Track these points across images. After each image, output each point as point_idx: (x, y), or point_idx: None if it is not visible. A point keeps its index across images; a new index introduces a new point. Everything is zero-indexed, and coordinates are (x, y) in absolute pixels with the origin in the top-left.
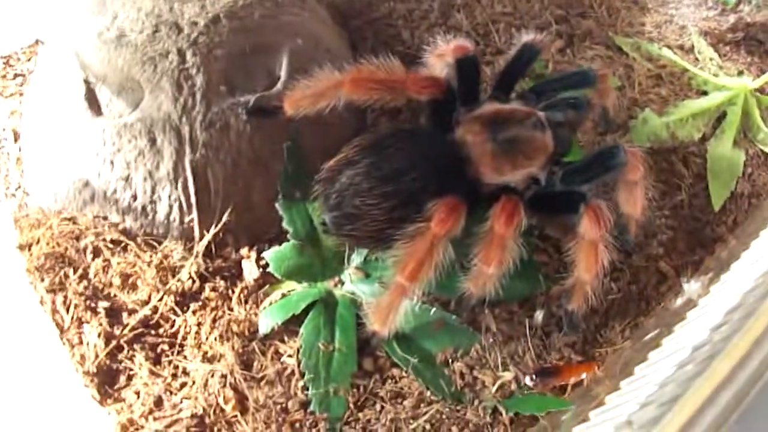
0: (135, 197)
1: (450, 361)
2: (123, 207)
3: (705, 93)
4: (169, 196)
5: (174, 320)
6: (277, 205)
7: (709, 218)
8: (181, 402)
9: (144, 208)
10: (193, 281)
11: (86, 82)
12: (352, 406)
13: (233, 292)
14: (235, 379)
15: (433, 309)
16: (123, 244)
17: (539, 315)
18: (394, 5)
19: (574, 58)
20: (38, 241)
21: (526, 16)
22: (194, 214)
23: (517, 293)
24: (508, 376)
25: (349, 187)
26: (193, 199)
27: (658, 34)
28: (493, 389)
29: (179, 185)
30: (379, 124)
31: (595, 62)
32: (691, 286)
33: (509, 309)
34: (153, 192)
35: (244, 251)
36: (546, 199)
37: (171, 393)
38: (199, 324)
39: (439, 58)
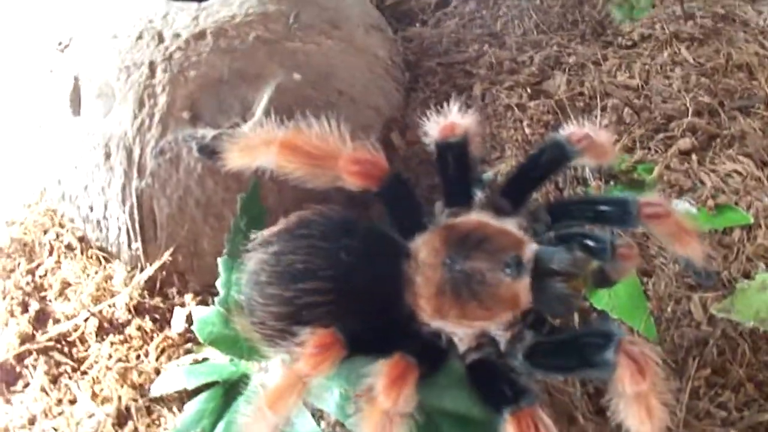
0: (92, 208)
1: None
2: (83, 215)
3: None
4: (118, 218)
5: (89, 345)
6: (219, 260)
7: None
8: (49, 430)
9: (99, 222)
10: (124, 312)
11: (75, 78)
12: None
13: (156, 337)
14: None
15: None
16: (75, 251)
17: None
18: (487, 50)
19: (698, 168)
20: (21, 222)
21: (657, 96)
22: (139, 244)
23: None
24: None
25: (252, 273)
26: (137, 228)
27: None
28: None
29: (126, 210)
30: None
31: (728, 181)
32: None
33: None
34: (105, 209)
35: (188, 297)
36: (483, 374)
37: (46, 416)
38: (109, 358)
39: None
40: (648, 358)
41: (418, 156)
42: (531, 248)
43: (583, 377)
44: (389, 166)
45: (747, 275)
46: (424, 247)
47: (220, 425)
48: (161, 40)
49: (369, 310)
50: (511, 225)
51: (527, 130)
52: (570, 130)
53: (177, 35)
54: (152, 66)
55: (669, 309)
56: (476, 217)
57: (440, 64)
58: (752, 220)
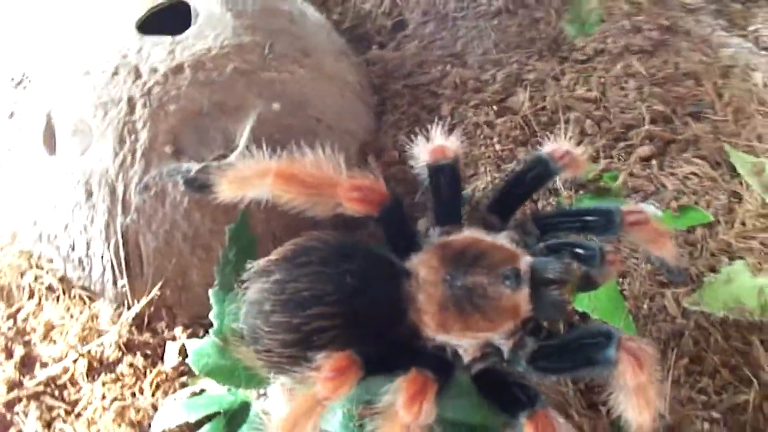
0: (73, 248)
1: None
2: (63, 254)
3: None
4: (102, 257)
5: (81, 386)
6: (210, 292)
7: None
8: None
9: (81, 260)
10: (114, 350)
11: (48, 116)
12: None
13: (150, 373)
14: None
15: None
16: (57, 293)
17: None
18: (450, 70)
19: (659, 172)
20: None
21: (614, 107)
22: (125, 281)
23: None
24: None
25: (254, 302)
26: (123, 265)
27: None
28: None
29: (111, 247)
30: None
31: (688, 182)
32: None
33: None
34: (88, 247)
35: (177, 330)
36: (492, 383)
37: None
38: (103, 398)
39: (421, 156)
40: (645, 352)
41: (395, 177)
42: (526, 260)
43: (584, 376)
44: (387, 190)
45: (713, 269)
46: (422, 266)
47: None
48: (138, 75)
49: (375, 331)
50: (502, 239)
51: (497, 147)
52: (550, 147)
53: (154, 70)
54: (131, 101)
55: (645, 306)
56: (469, 234)
57: (406, 86)
58: (712, 218)
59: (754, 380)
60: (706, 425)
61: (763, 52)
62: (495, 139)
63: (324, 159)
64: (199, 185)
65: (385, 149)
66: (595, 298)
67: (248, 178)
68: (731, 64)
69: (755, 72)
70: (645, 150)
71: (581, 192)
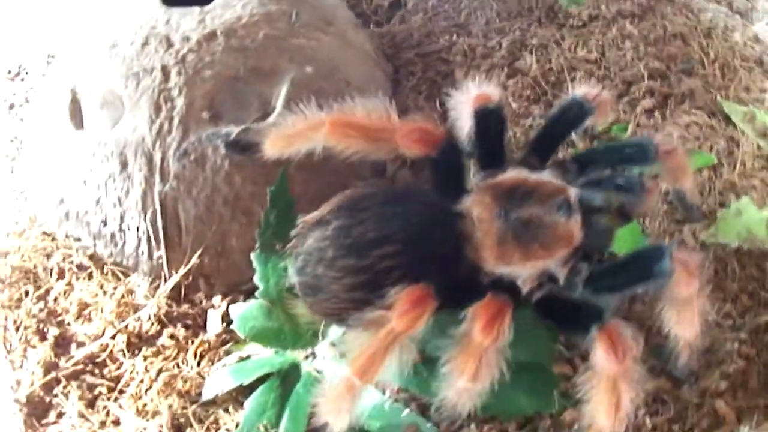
0: (105, 223)
1: None
2: (94, 231)
3: None
4: (137, 228)
5: (121, 362)
6: (252, 255)
7: None
8: None
9: (113, 235)
10: (152, 324)
11: (73, 91)
12: None
13: (192, 343)
14: None
15: (407, 410)
16: (89, 271)
17: None
18: (457, 39)
19: (663, 122)
20: (15, 251)
21: (614, 65)
22: (162, 251)
23: (517, 409)
24: None
25: (314, 251)
26: (161, 235)
27: None
28: None
29: (147, 217)
30: (398, 178)
31: (689, 130)
32: None
33: (503, 428)
34: (122, 220)
35: (216, 299)
36: (556, 307)
37: None
38: (146, 372)
39: (464, 105)
40: (696, 261)
41: None
42: (574, 191)
43: (640, 290)
44: (444, 131)
45: (722, 205)
46: (475, 205)
47: (285, 414)
48: (170, 44)
49: (437, 270)
50: (546, 177)
51: (514, 105)
52: (582, 90)
53: (186, 38)
54: (165, 70)
55: (666, 242)
56: (514, 173)
57: (417, 55)
58: (716, 160)
59: None
60: (736, 345)
61: (737, 16)
62: (510, 99)
63: (374, 107)
64: (242, 147)
65: (406, 111)
66: (619, 238)
67: (299, 132)
68: (712, 26)
69: (734, 32)
70: (647, 103)
71: (595, 143)
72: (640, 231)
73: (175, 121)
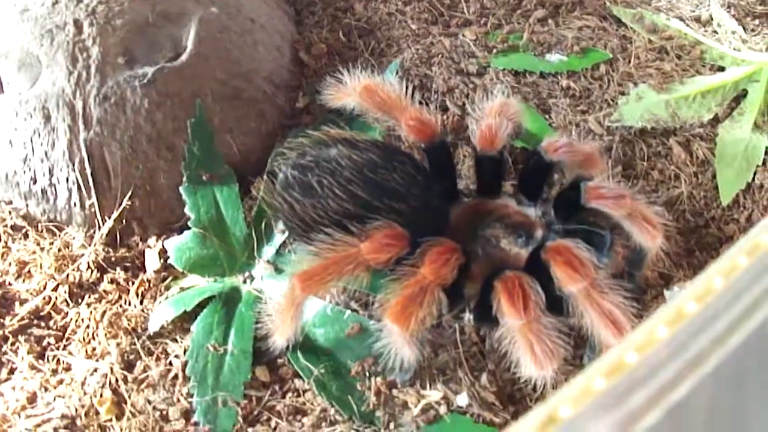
0: (34, 180)
1: (368, 375)
2: (24, 191)
3: (722, 69)
4: (67, 179)
5: (66, 312)
6: (181, 188)
7: (714, 214)
8: (54, 400)
9: (44, 191)
10: (92, 271)
11: None
12: (241, 419)
13: (133, 284)
14: (115, 378)
15: (348, 312)
16: (24, 231)
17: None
18: None
19: (557, 28)
20: None
21: None
22: (93, 199)
23: None
24: (435, 395)
25: (333, 162)
26: (90, 182)
27: (669, 4)
28: (416, 411)
29: (76, 166)
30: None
31: (582, 33)
32: (675, 294)
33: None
34: (51, 174)
35: (151, 241)
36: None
37: (46, 390)
38: (91, 317)
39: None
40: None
41: (327, 70)
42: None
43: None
44: (440, 132)
45: (623, 94)
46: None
47: (232, 332)
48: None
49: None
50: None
51: (413, 26)
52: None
53: None
54: (77, 23)
55: (573, 132)
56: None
57: None
58: (611, 55)
59: (681, 174)
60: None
61: None
62: (409, 22)
63: (398, 88)
64: None
65: (313, 43)
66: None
67: (347, 89)
68: None
69: None
70: (540, 13)
71: (494, 52)
72: (546, 124)
73: (92, 69)
